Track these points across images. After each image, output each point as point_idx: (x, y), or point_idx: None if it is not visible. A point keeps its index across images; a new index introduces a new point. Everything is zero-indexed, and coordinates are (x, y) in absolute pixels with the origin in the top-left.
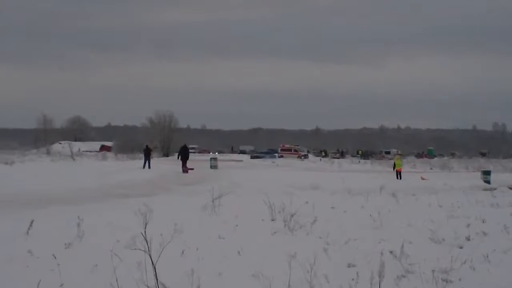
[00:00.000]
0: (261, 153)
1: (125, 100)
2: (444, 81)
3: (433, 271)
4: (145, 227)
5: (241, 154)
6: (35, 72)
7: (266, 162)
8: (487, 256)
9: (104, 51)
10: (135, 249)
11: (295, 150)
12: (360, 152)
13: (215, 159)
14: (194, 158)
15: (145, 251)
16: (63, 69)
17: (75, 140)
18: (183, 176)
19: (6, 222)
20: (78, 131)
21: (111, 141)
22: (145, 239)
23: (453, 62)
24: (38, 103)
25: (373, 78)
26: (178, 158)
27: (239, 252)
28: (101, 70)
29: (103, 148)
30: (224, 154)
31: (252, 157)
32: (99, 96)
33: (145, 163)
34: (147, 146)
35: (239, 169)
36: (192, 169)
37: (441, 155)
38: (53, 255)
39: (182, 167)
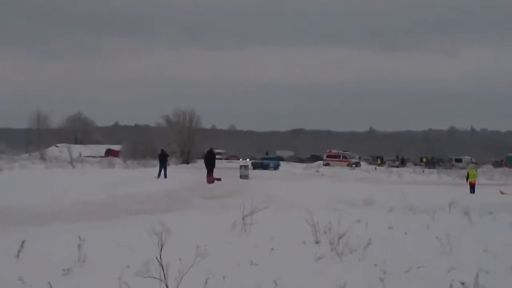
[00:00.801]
0: (265, 159)
1: (137, 95)
2: None
3: None
4: (161, 250)
5: None
6: (28, 60)
7: (309, 171)
8: None
9: (114, 36)
10: (149, 277)
11: (344, 157)
12: (424, 159)
13: (245, 167)
14: (220, 166)
15: (160, 280)
16: (63, 57)
17: (76, 143)
18: (207, 187)
19: None
20: (79, 131)
21: (119, 144)
22: (161, 264)
23: None
24: (31, 97)
25: (443, 70)
26: (205, 165)
27: (275, 282)
28: (109, 59)
29: (109, 152)
30: (257, 160)
31: (254, 166)
32: (105, 89)
33: (160, 171)
34: (163, 151)
35: (275, 179)
36: (219, 179)
37: None
38: (48, 283)
39: (207, 176)
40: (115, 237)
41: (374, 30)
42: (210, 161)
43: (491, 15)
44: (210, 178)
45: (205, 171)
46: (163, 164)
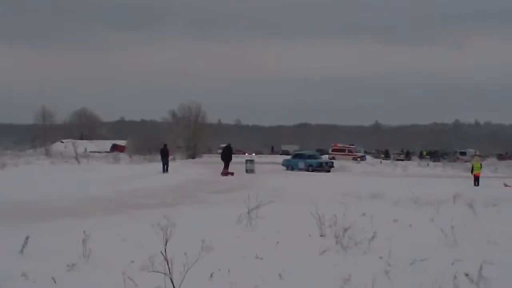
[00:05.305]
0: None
1: (143, 90)
2: None
3: None
4: (166, 245)
5: (284, 156)
6: (33, 55)
7: None
8: None
9: (119, 30)
10: (153, 271)
11: (350, 151)
12: (424, 152)
13: (251, 161)
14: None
15: (165, 274)
16: (67, 51)
17: (81, 138)
18: (213, 182)
19: None
20: (84, 127)
21: (124, 139)
22: (166, 259)
23: None
24: (36, 93)
25: (447, 63)
26: (222, 159)
27: (280, 275)
28: (114, 53)
29: (115, 148)
30: (263, 155)
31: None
32: (110, 84)
33: (163, 166)
34: (165, 146)
35: (281, 173)
36: (232, 173)
37: None
38: (52, 278)
39: (223, 169)
40: (120, 232)
41: (379, 24)
42: (227, 155)
43: (496, 7)
44: (225, 171)
45: (213, 165)
46: (164, 159)
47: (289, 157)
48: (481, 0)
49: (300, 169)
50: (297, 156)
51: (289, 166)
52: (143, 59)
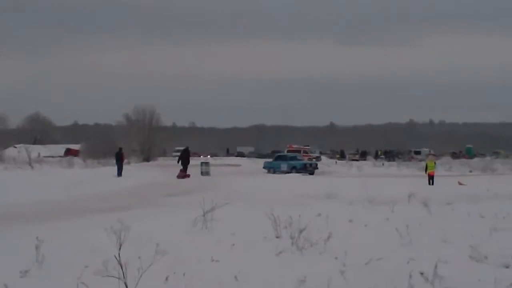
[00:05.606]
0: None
1: (97, 94)
2: (488, 65)
3: None
4: (120, 249)
5: (239, 157)
6: None
7: None
8: None
9: (72, 33)
10: (107, 276)
11: (305, 152)
12: (379, 152)
13: (206, 163)
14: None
15: (119, 278)
16: (19, 55)
17: (34, 143)
18: (168, 185)
19: None
20: (37, 132)
21: (78, 143)
22: (120, 263)
23: (498, 44)
24: None
25: (401, 62)
26: (178, 162)
27: (236, 278)
28: (67, 57)
29: (68, 152)
30: (218, 157)
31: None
32: (64, 88)
33: (118, 169)
34: (120, 149)
35: (237, 175)
36: (188, 175)
37: (483, 155)
38: (5, 285)
39: (180, 172)
40: (74, 237)
41: (333, 23)
42: (185, 158)
43: (448, 6)
44: (181, 174)
45: (168, 168)
46: (119, 163)
47: (269, 160)
48: (433, 1)
49: (282, 172)
50: (279, 158)
51: (271, 168)
52: (94, 63)
